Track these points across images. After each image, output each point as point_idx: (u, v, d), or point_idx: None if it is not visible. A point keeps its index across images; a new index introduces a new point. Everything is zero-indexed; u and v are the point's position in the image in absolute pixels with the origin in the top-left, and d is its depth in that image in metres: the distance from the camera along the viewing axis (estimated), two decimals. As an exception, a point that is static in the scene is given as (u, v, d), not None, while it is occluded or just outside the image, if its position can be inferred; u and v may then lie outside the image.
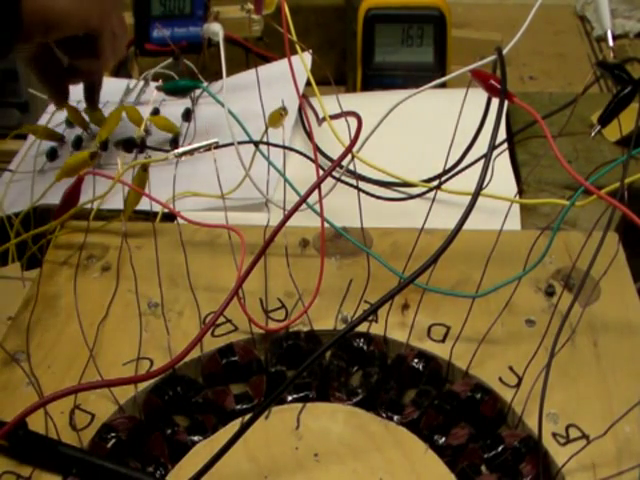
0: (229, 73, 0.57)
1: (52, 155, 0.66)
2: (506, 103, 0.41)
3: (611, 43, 0.58)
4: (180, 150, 0.46)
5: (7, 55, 0.54)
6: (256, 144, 0.53)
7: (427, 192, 0.58)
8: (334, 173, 0.50)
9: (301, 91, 0.58)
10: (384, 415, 0.44)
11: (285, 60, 0.50)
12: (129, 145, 0.64)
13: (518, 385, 0.44)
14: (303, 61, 0.52)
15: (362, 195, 0.52)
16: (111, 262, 0.53)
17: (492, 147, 0.39)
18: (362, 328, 0.48)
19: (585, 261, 0.38)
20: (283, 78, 0.52)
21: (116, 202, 0.51)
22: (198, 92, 0.70)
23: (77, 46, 0.59)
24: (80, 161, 0.52)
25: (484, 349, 0.45)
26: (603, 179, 0.39)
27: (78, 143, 0.67)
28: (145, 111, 0.66)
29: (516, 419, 0.43)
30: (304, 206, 0.45)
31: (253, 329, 0.48)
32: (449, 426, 0.43)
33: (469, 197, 0.39)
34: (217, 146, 0.47)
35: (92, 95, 0.66)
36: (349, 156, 0.49)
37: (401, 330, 0.48)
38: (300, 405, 0.44)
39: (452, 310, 0.48)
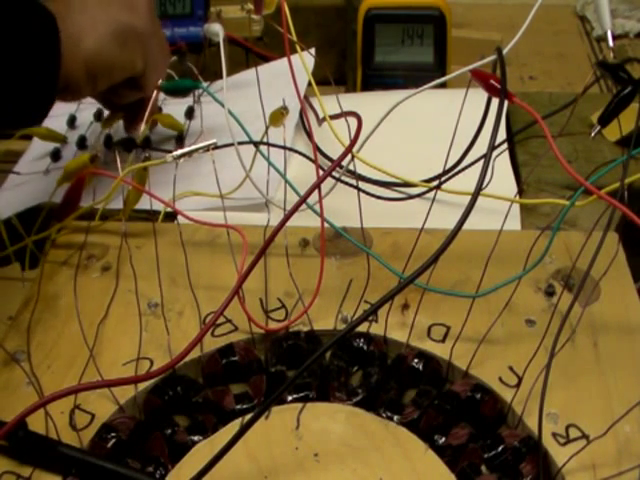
0: (229, 73, 0.57)
1: (55, 156, 0.67)
2: (506, 103, 0.41)
3: (611, 43, 0.58)
4: (179, 152, 0.46)
5: (47, 112, 0.52)
6: (256, 144, 0.53)
7: (427, 192, 0.58)
8: (334, 173, 0.50)
9: (303, 89, 0.58)
10: (384, 415, 0.44)
11: (286, 58, 0.50)
12: (129, 145, 0.64)
13: (518, 385, 0.44)
14: (303, 61, 0.52)
15: (362, 195, 0.52)
16: (111, 262, 0.53)
17: (492, 147, 0.39)
18: (362, 328, 0.48)
19: (585, 261, 0.38)
20: (284, 77, 0.52)
21: (116, 202, 0.52)
22: (200, 91, 0.70)
23: (119, 87, 0.57)
24: (80, 165, 0.52)
25: (484, 349, 0.45)
26: (603, 179, 0.39)
27: (82, 143, 0.67)
28: None
29: (516, 419, 0.43)
30: (304, 206, 0.45)
31: (253, 329, 0.48)
32: (449, 426, 0.43)
33: (469, 197, 0.39)
34: (216, 147, 0.46)
35: (135, 117, 0.63)
36: (349, 156, 0.49)
37: (401, 330, 0.48)
38: (300, 405, 0.44)
39: (452, 310, 0.48)
